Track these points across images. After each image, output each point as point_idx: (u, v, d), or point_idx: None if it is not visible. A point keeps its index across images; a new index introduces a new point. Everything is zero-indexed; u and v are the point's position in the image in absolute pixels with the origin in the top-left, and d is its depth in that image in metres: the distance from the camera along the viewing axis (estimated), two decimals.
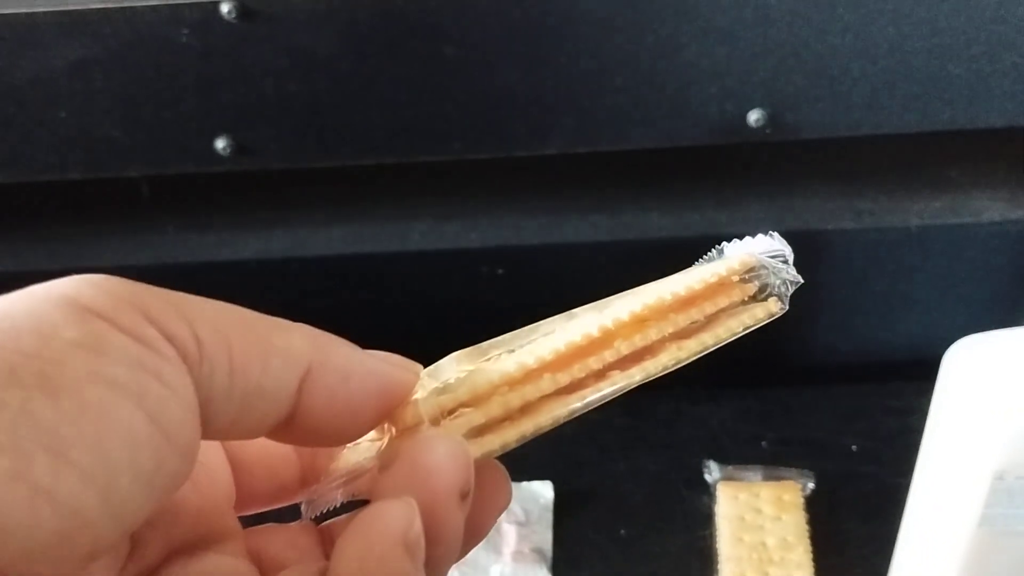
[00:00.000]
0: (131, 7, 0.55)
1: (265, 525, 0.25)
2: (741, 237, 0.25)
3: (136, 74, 0.57)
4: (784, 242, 0.25)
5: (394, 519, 0.20)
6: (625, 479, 0.64)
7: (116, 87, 0.57)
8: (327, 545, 0.24)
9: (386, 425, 0.23)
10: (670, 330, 0.23)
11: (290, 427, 0.22)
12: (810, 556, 0.58)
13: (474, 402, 0.22)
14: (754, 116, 0.59)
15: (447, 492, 0.21)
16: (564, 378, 0.22)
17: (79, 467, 0.17)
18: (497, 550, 0.59)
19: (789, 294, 0.24)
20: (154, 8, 0.55)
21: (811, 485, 0.61)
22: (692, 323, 0.23)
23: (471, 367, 0.23)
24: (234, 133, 0.59)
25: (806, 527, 0.59)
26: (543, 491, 0.63)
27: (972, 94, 0.58)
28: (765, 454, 0.65)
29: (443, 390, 0.22)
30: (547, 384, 0.22)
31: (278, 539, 0.24)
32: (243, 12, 0.55)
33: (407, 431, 0.23)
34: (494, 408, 0.22)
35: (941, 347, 0.45)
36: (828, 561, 0.57)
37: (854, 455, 0.65)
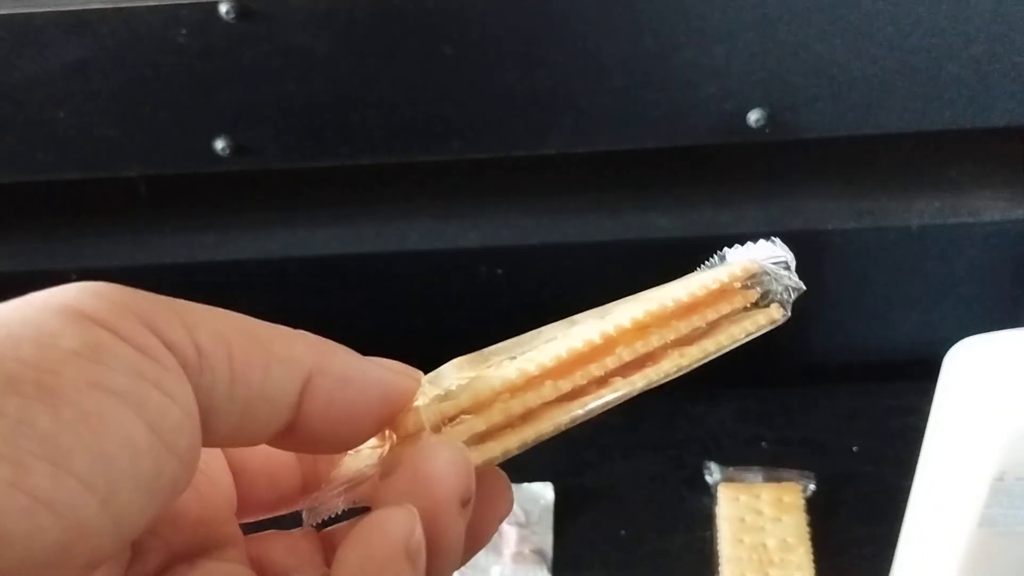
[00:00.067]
0: (129, 7, 0.55)
1: (266, 532, 0.25)
2: (741, 237, 0.25)
3: (135, 74, 0.57)
4: (786, 248, 0.24)
5: (396, 527, 0.20)
6: (625, 480, 0.64)
7: (115, 87, 0.57)
8: (328, 552, 0.24)
9: (387, 432, 0.23)
10: (672, 336, 0.23)
11: (291, 434, 0.22)
12: (811, 557, 0.58)
13: (475, 409, 0.22)
14: (754, 116, 0.59)
15: (448, 500, 0.21)
16: (566, 385, 0.22)
17: (79, 476, 0.17)
18: (497, 551, 0.59)
19: (791, 301, 0.24)
20: (152, 8, 0.55)
21: (812, 486, 0.61)
22: (694, 329, 0.23)
23: (472, 374, 0.23)
24: (233, 133, 0.59)
25: (807, 528, 0.59)
26: (543, 492, 0.63)
27: (972, 94, 0.58)
28: (765, 454, 0.65)
29: (444, 397, 0.22)
30: (549, 391, 0.22)
31: (279, 546, 0.24)
32: (242, 12, 0.55)
33: (408, 438, 0.22)
34: (496, 415, 0.22)
35: (942, 347, 0.45)
36: (829, 562, 0.57)
37: (855, 456, 0.65)
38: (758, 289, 0.24)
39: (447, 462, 0.21)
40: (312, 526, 0.25)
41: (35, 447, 0.17)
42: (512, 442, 0.22)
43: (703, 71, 0.57)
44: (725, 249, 0.25)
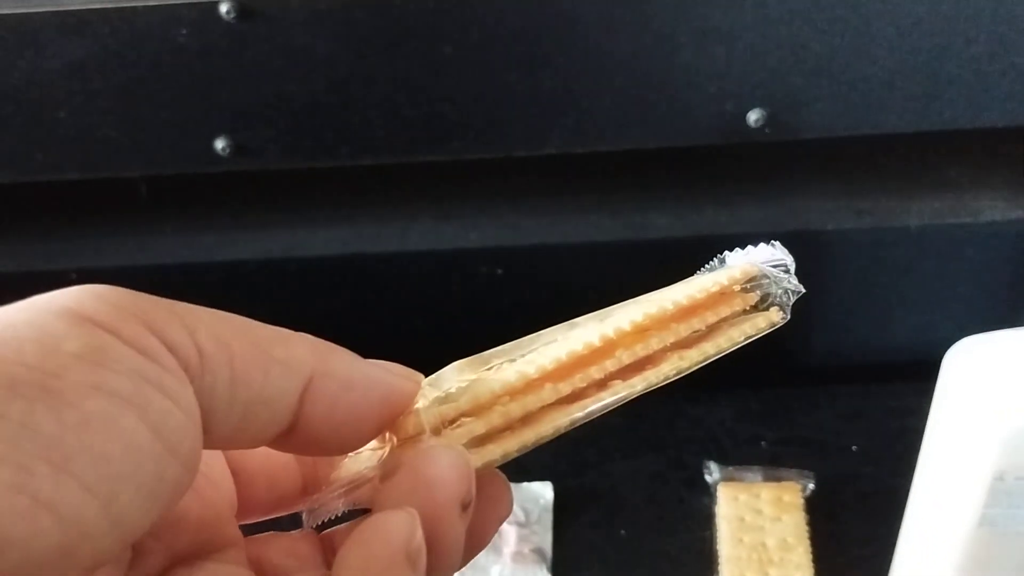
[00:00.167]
0: (129, 7, 0.55)
1: (266, 534, 0.25)
2: (741, 237, 0.25)
3: (135, 74, 0.57)
4: (785, 251, 0.25)
5: (396, 530, 0.20)
6: (625, 480, 0.64)
7: (115, 87, 0.57)
8: (328, 554, 0.24)
9: (387, 434, 0.23)
10: (671, 339, 0.23)
11: (291, 436, 0.22)
12: (810, 557, 0.58)
13: (475, 411, 0.22)
14: (754, 116, 0.59)
15: (449, 503, 0.21)
16: (565, 387, 0.22)
17: (81, 478, 0.17)
18: (497, 551, 0.60)
19: (791, 303, 0.24)
20: (152, 8, 0.55)
21: (811, 486, 0.61)
22: (693, 332, 0.23)
23: (472, 376, 0.23)
24: (233, 133, 0.59)
25: (806, 528, 0.59)
26: (543, 492, 0.63)
27: (972, 94, 0.58)
28: (765, 454, 0.65)
29: (444, 399, 0.23)
30: (548, 393, 0.22)
31: (279, 548, 0.24)
32: (242, 12, 0.55)
33: (408, 440, 0.23)
34: (495, 418, 0.22)
35: (941, 347, 0.45)
36: (828, 562, 0.58)
37: (854, 456, 0.65)
38: (757, 292, 0.24)
39: (447, 465, 0.21)
40: (312, 528, 0.25)
41: (37, 450, 0.17)
42: (512, 444, 0.22)
43: (703, 71, 0.57)
44: (725, 252, 0.25)
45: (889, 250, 0.65)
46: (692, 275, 0.25)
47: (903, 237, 0.64)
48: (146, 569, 0.22)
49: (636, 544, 0.61)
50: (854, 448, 0.65)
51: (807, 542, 0.58)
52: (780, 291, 0.24)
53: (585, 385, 0.22)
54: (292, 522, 0.25)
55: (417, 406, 0.23)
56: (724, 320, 0.24)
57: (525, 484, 0.63)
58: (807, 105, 0.59)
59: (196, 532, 0.23)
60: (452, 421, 0.22)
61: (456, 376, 0.23)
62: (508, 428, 0.22)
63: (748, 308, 0.24)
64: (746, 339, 0.24)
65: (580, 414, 0.22)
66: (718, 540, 0.59)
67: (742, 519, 0.60)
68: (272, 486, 0.25)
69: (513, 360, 0.23)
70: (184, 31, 0.55)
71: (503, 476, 0.24)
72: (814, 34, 0.56)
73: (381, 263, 0.65)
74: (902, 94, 0.58)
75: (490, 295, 0.67)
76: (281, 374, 0.21)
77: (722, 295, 0.24)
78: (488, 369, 0.23)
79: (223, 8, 0.54)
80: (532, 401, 0.22)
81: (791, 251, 0.25)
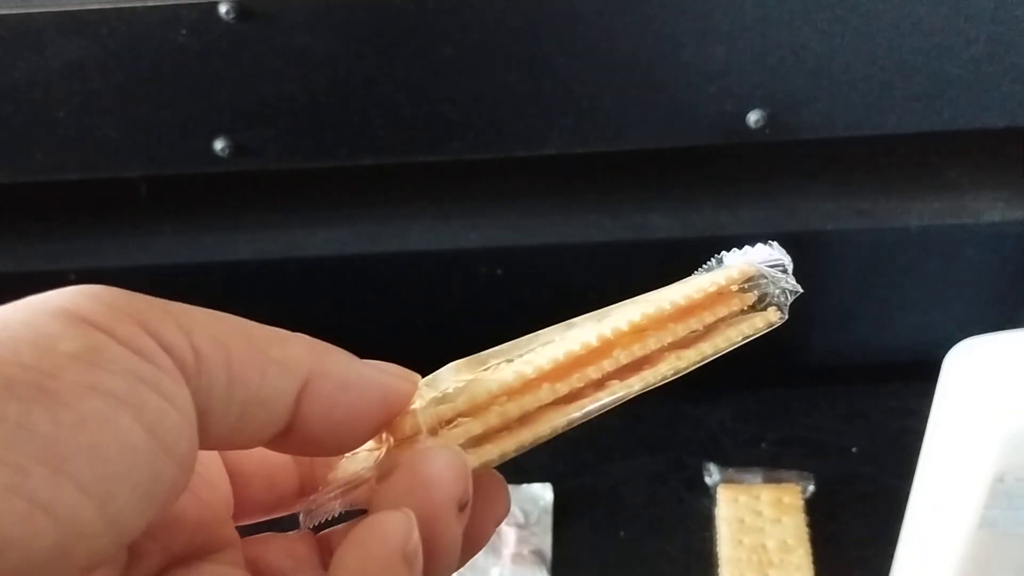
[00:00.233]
0: (129, 7, 0.55)
1: (263, 534, 0.25)
2: (740, 237, 0.25)
3: (134, 74, 0.57)
4: (783, 251, 0.25)
5: (393, 530, 0.20)
6: (625, 481, 0.64)
7: (114, 87, 0.57)
8: (325, 555, 0.24)
9: (384, 435, 0.23)
10: (669, 340, 0.23)
11: (288, 437, 0.22)
12: (810, 558, 0.58)
13: (472, 412, 0.22)
14: (754, 116, 0.59)
15: (445, 503, 0.21)
16: (562, 388, 0.22)
17: (77, 479, 0.17)
18: (496, 552, 0.59)
19: (788, 304, 0.24)
20: (152, 8, 0.55)
21: (811, 487, 0.61)
22: (691, 333, 0.23)
23: (469, 377, 0.23)
24: (232, 134, 0.59)
25: (806, 529, 0.59)
26: (542, 493, 0.63)
27: (972, 94, 0.58)
28: (765, 455, 0.65)
29: (441, 400, 0.22)
30: (545, 394, 0.22)
31: (276, 548, 0.24)
32: (241, 12, 0.55)
33: (405, 441, 0.22)
34: (492, 418, 0.22)
35: (941, 348, 0.45)
36: (828, 563, 0.57)
37: (854, 457, 0.64)
38: (755, 292, 0.24)
39: (444, 466, 0.21)
40: (309, 528, 0.25)
41: (34, 451, 0.17)
42: (509, 445, 0.22)
43: (703, 71, 0.57)
44: (722, 252, 0.25)
45: (889, 250, 0.64)
46: (691, 275, 0.25)
47: (903, 237, 0.64)
48: (143, 570, 0.22)
49: (636, 546, 0.60)
50: (854, 449, 0.65)
51: (807, 544, 0.58)
52: (778, 291, 0.24)
53: (583, 385, 0.22)
54: (290, 523, 0.25)
55: (414, 406, 0.23)
56: (722, 320, 0.24)
57: (524, 486, 0.63)
58: (807, 105, 0.59)
59: (193, 533, 0.23)
60: (449, 421, 0.22)
61: (453, 376, 0.23)
62: (505, 428, 0.22)
63: (746, 308, 0.24)
64: (744, 339, 0.24)
65: (578, 414, 0.22)
66: (718, 542, 0.59)
67: (742, 521, 0.60)
68: (269, 487, 0.25)
69: (511, 360, 0.23)
70: (184, 31, 0.55)
71: (500, 476, 0.24)
72: (814, 34, 0.56)
73: (381, 263, 0.65)
74: (902, 94, 0.58)
75: (490, 295, 0.67)
76: (278, 375, 0.21)
77: (720, 295, 0.24)
78: (485, 369, 0.23)
79: (223, 8, 0.54)
80: (529, 401, 0.22)
81: (791, 251, 0.25)
